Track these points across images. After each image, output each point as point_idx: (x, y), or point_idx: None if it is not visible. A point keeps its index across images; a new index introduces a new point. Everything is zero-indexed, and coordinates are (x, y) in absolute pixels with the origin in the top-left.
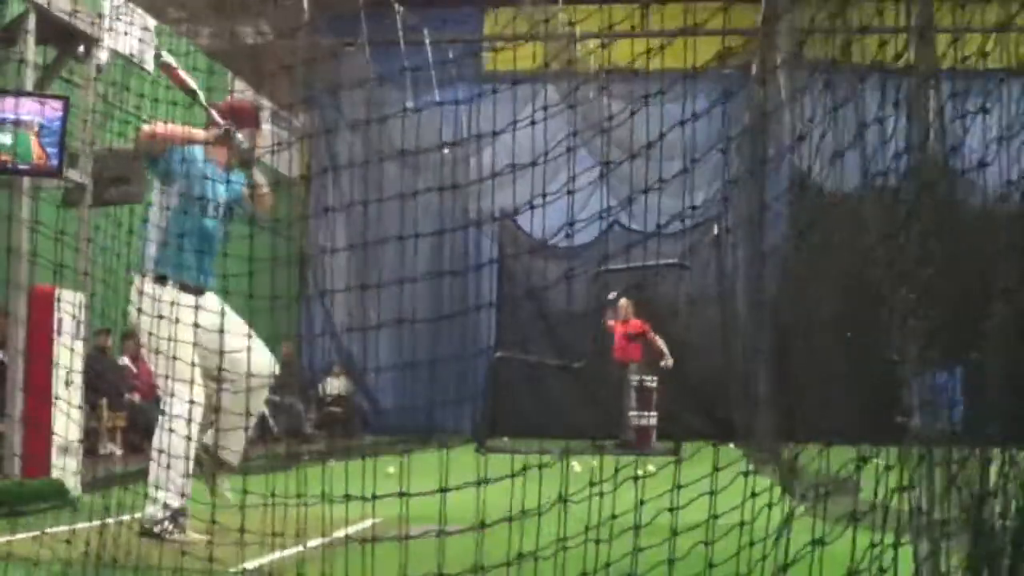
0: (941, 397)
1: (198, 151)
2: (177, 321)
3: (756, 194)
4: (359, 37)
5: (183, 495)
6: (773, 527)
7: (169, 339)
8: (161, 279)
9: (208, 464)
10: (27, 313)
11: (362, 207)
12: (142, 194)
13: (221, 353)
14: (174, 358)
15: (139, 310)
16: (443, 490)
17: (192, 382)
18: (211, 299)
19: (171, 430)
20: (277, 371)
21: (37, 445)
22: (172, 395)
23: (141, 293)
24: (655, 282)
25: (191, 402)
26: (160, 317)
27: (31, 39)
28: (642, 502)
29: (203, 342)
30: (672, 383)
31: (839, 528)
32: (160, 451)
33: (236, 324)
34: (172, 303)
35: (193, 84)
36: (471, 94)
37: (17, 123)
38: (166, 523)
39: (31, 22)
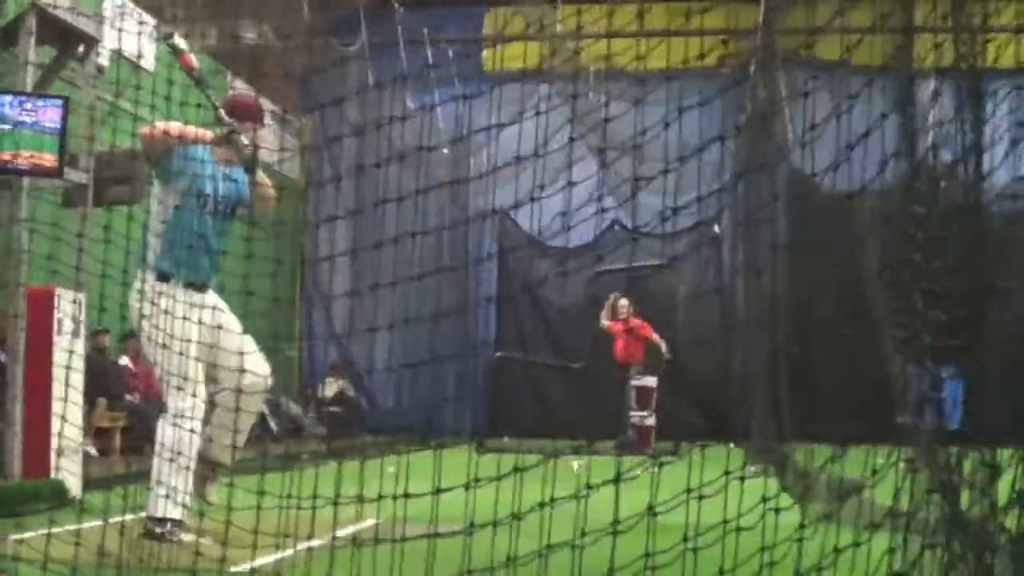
0: (941, 396)
1: (202, 148)
2: (184, 318)
3: (756, 194)
4: (358, 38)
5: (187, 494)
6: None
7: (172, 336)
8: (164, 276)
9: (199, 470)
10: (26, 313)
11: (361, 206)
12: (142, 194)
13: (218, 349)
14: (180, 354)
15: (141, 307)
16: (437, 491)
17: (196, 379)
18: (211, 297)
19: (175, 426)
20: (271, 382)
21: (37, 445)
22: (178, 389)
23: (142, 290)
24: (652, 281)
25: (194, 395)
26: (165, 314)
27: (31, 39)
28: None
29: (205, 339)
30: (672, 382)
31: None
32: (163, 447)
33: (234, 322)
34: (176, 300)
35: (200, 74)
36: (471, 93)
37: (17, 123)
38: (169, 525)
39: (31, 22)
